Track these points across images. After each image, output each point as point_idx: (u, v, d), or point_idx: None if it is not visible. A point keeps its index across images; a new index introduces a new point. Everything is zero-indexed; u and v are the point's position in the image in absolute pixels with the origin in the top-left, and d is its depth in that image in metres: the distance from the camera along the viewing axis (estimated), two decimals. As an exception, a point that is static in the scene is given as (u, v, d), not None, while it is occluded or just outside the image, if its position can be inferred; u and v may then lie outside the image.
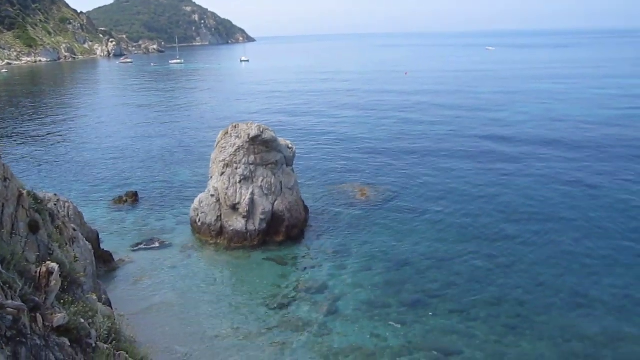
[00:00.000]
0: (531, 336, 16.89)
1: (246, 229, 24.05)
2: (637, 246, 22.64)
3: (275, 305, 19.00)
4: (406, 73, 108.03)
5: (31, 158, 41.60)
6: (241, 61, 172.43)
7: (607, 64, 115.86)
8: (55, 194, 21.55)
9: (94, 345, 7.93)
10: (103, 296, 15.38)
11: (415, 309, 18.50)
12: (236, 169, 24.63)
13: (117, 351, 9.03)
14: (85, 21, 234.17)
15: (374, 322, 17.83)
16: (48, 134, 51.80)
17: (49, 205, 16.14)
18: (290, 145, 26.74)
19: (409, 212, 27.49)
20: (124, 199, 30.28)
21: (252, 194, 24.30)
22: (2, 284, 6.48)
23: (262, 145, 24.85)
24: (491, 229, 24.92)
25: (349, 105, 64.54)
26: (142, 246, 24.04)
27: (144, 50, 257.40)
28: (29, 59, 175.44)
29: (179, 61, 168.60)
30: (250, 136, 24.60)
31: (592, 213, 26.33)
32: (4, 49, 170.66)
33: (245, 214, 24.04)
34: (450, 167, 35.23)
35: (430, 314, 18.20)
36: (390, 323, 17.73)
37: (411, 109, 60.41)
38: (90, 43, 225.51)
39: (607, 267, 21.01)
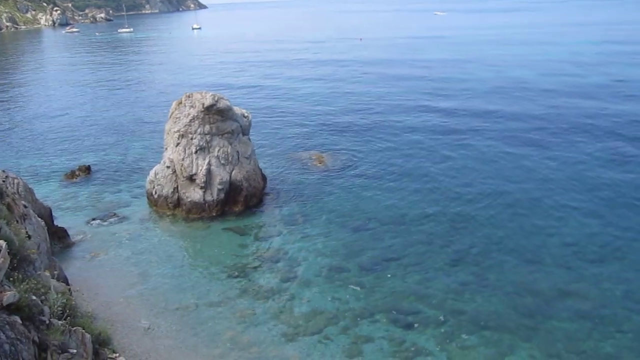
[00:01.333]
0: (486, 293, 17.44)
1: (204, 199, 23.82)
2: (585, 206, 23.45)
3: (237, 275, 19.02)
4: (360, 39, 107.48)
5: (-25, 134, 39.98)
6: (193, 29, 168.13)
7: (560, 28, 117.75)
8: (3, 171, 20.80)
9: (47, 322, 7.77)
10: (56, 272, 15.04)
11: (374, 272, 18.83)
12: (191, 139, 24.23)
13: (73, 327, 8.88)
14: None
15: (334, 287, 18.08)
16: (-8, 109, 49.78)
17: (-4, 182, 15.57)
18: (246, 114, 26.42)
19: (366, 178, 27.69)
20: (77, 173, 29.49)
21: (209, 164, 24.00)
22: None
23: (217, 115, 24.47)
24: (446, 193, 25.36)
25: (304, 75, 64.05)
26: (97, 221, 23.56)
27: (91, 19, 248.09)
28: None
29: (128, 30, 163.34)
30: (205, 105, 24.17)
31: (542, 176, 27.07)
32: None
33: (203, 185, 23.78)
34: (405, 135, 35.49)
35: (389, 276, 18.55)
36: (350, 286, 18.02)
37: (365, 77, 60.35)
38: (34, 12, 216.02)
39: (557, 226, 21.73)
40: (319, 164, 30.04)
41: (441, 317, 16.34)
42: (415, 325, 16.10)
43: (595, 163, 28.30)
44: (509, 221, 22.14)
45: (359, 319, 16.42)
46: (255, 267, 19.53)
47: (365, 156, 31.19)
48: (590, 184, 25.48)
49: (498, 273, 18.46)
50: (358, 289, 17.89)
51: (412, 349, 15.13)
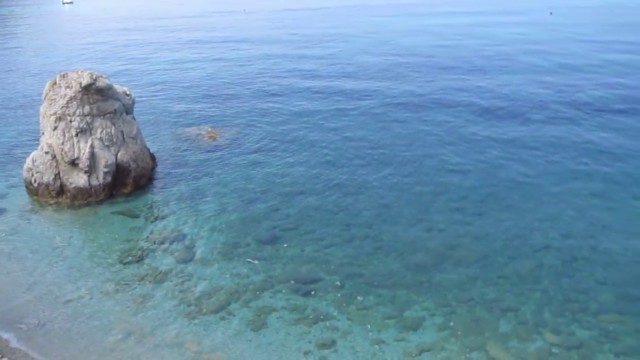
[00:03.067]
0: (381, 254, 18.24)
1: (89, 184, 22.67)
2: (465, 164, 24.94)
3: (131, 260, 18.43)
4: (244, 10, 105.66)
5: None
6: (64, 3, 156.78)
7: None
8: None
9: None
10: None
11: (272, 244, 19.02)
12: (70, 121, 22.83)
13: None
14: None
15: (233, 262, 18.07)
16: None
17: None
18: (128, 92, 25.25)
19: (258, 150, 27.63)
20: (-59, 166, 26.92)
21: (92, 146, 22.80)
22: None
23: (96, 94, 23.19)
24: (336, 161, 25.91)
25: (189, 51, 61.97)
26: (-30, 216, 21.75)
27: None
28: None
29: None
30: (83, 85, 22.80)
31: (424, 141, 28.34)
32: None
33: (87, 169, 22.59)
34: (293, 107, 35.61)
35: (287, 246, 18.83)
36: (249, 260, 18.09)
37: (251, 49, 59.60)
38: None
39: (442, 185, 22.97)
40: (209, 139, 29.50)
41: (339, 282, 16.90)
42: (316, 292, 16.55)
43: (470, 125, 30.04)
44: (398, 185, 23.08)
45: (259, 291, 16.59)
46: (150, 250, 19.02)
47: (255, 129, 31.04)
48: (468, 145, 27.03)
49: (390, 234, 19.32)
50: (257, 262, 18.01)
51: (314, 315, 15.57)
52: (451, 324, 15.22)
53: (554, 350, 14.29)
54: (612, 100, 33.98)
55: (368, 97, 36.20)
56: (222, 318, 15.55)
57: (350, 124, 30.78)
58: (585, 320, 15.24)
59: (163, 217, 21.24)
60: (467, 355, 14.21)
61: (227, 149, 27.96)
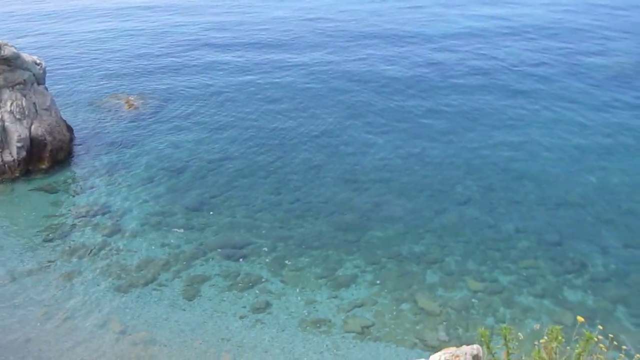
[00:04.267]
0: (311, 216, 18.48)
1: (2, 160, 21.44)
2: (390, 125, 25.38)
3: (54, 237, 17.75)
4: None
5: None
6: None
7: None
8: None
9: None
10: None
11: (201, 212, 18.83)
12: (-25, 94, 21.35)
13: None
14: None
15: (162, 232, 17.78)
16: None
17: None
18: (38, 61, 23.81)
19: (183, 119, 26.91)
20: None
21: (2, 120, 21.49)
22: None
23: (3, 64, 21.74)
24: (264, 126, 25.66)
25: (96, 15, 58.74)
26: None
27: None
28: None
29: None
30: (-14, 55, 21.29)
31: (349, 106, 28.40)
32: None
33: (-2, 145, 21.33)
34: (215, 73, 34.68)
35: (217, 213, 18.71)
36: (179, 230, 17.85)
37: (171, 18, 57.34)
38: None
39: (367, 146, 23.31)
40: (129, 108, 28.43)
41: (271, 246, 17.06)
42: (248, 257, 16.65)
43: (393, 89, 30.44)
44: (324, 147, 23.19)
45: (191, 260, 16.49)
46: (74, 226, 18.36)
47: (178, 96, 30.14)
48: (390, 107, 27.41)
49: (319, 196, 19.56)
50: (187, 231, 17.82)
51: (247, 279, 15.70)
52: (381, 279, 15.80)
53: (478, 296, 15.17)
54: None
55: (294, 67, 35.87)
56: (155, 289, 15.40)
57: (277, 92, 30.40)
58: (505, 267, 16.20)
59: (86, 191, 20.48)
60: (398, 307, 14.83)
61: (149, 118, 27.09)
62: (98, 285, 15.53)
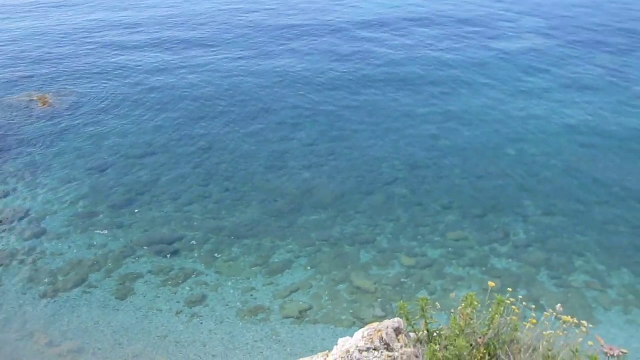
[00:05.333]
0: (242, 205, 18.37)
1: None
2: (317, 111, 25.47)
3: (-31, 245, 16.78)
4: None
5: None
6: None
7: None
8: None
9: None
10: None
11: (129, 208, 18.30)
12: None
13: None
14: None
15: (88, 233, 17.15)
16: None
17: None
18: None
19: (102, 114, 25.94)
20: None
21: None
22: None
23: None
24: (188, 116, 25.15)
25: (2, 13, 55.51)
26: None
27: None
28: None
29: None
30: None
31: (274, 93, 28.38)
32: None
33: None
34: (136, 62, 33.71)
35: (145, 209, 18.24)
36: (106, 229, 17.29)
37: (78, 14, 54.86)
38: None
39: (294, 130, 23.33)
40: (43, 105, 27.12)
41: (203, 238, 16.85)
42: (180, 251, 16.37)
43: (318, 71, 30.58)
44: (251, 136, 23.01)
45: (121, 259, 16.03)
46: (-8, 233, 17.42)
47: (95, 90, 29.00)
48: (316, 91, 27.56)
49: (249, 184, 19.44)
50: (115, 229, 17.28)
51: (181, 274, 15.45)
52: (316, 262, 15.97)
53: (411, 271, 15.63)
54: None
55: (216, 51, 35.29)
56: (85, 292, 14.89)
57: (199, 80, 29.86)
58: (435, 241, 16.75)
59: (3, 196, 19.42)
60: (334, 288, 15.05)
61: (65, 115, 25.93)
62: (22, 293, 14.84)
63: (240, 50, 34.19)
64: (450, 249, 16.42)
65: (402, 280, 15.28)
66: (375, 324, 4.90)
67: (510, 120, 23.59)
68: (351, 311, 14.32)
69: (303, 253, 16.32)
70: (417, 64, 30.25)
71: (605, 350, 4.20)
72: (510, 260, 16.05)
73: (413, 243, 16.69)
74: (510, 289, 5.13)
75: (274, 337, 13.65)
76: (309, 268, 15.79)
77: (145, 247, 16.49)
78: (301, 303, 14.61)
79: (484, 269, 15.72)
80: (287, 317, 14.19)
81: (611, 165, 20.40)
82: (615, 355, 4.08)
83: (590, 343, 4.31)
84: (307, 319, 14.18)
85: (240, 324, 14.01)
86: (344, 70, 29.52)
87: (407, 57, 31.29)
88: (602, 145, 21.75)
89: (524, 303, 4.68)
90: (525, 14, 39.04)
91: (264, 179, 19.73)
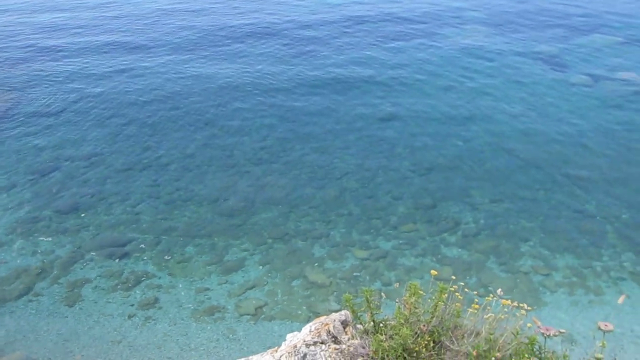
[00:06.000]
0: (194, 204, 18.15)
1: None
2: (265, 106, 25.37)
3: None
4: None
5: None
6: None
7: None
8: None
9: None
10: None
11: (75, 213, 17.82)
12: None
13: None
14: None
15: (33, 239, 16.61)
16: None
17: None
18: None
19: (42, 117, 24.99)
20: None
21: None
22: None
23: None
24: (133, 116, 24.56)
25: None
26: None
27: None
28: None
29: None
30: None
31: (216, 92, 28.06)
32: None
33: None
34: (76, 63, 32.67)
35: (92, 213, 17.80)
36: (51, 235, 16.79)
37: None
38: None
39: (243, 127, 23.14)
40: (-21, 109, 26.00)
41: (154, 239, 16.58)
42: (131, 253, 16.06)
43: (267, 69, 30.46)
44: (200, 134, 22.65)
45: (69, 265, 15.60)
46: None
47: (32, 95, 27.89)
48: (264, 88, 27.42)
49: (200, 184, 19.22)
50: (61, 235, 16.80)
51: (132, 277, 15.17)
52: (270, 259, 15.96)
53: (365, 263, 15.81)
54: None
55: (157, 54, 34.62)
56: (31, 300, 14.44)
57: (143, 82, 29.13)
58: (387, 233, 16.98)
59: (-62, 205, 18.60)
60: (289, 284, 15.09)
61: (5, 119, 24.96)
62: (-36, 304, 14.29)
63: (184, 53, 33.59)
64: (402, 240, 16.68)
65: (356, 273, 15.45)
66: (322, 318, 4.95)
67: (456, 113, 24.08)
68: (307, 305, 14.39)
69: (257, 250, 16.29)
70: (361, 62, 30.38)
71: (542, 331, 4.38)
72: (461, 248, 16.43)
73: (366, 236, 16.87)
74: (453, 277, 5.26)
75: (230, 335, 13.59)
76: (263, 265, 15.77)
77: (93, 252, 16.09)
78: (256, 300, 14.59)
79: (435, 258, 16.04)
80: (242, 315, 14.15)
81: (552, 153, 21.12)
82: (552, 334, 4.26)
83: (528, 325, 4.49)
84: (262, 316, 14.18)
85: (195, 324, 13.89)
86: (290, 71, 29.36)
87: (351, 56, 31.42)
88: (543, 133, 22.49)
89: (466, 290, 4.82)
90: (466, 10, 39.77)
91: (214, 178, 19.54)
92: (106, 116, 24.65)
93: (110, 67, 31.13)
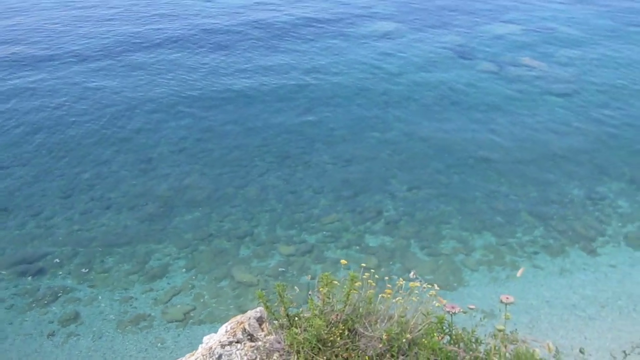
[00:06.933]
0: (111, 212, 17.53)
1: None
2: (178, 108, 24.85)
3: None
4: None
5: None
6: None
7: None
8: None
9: None
10: None
11: (-18, 231, 16.82)
12: None
13: None
14: None
15: (-64, 263, 15.54)
16: None
17: None
18: None
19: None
20: None
21: None
22: None
23: None
24: (39, 124, 23.38)
25: None
26: None
27: None
28: None
29: None
30: None
31: (124, 96, 27.29)
32: None
33: None
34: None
35: (2, 228, 16.85)
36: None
37: None
38: None
39: (160, 130, 22.59)
40: None
41: (71, 251, 15.90)
42: (46, 268, 15.33)
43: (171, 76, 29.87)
44: (112, 140, 21.75)
45: (-21, 286, 14.72)
46: None
47: None
48: (169, 93, 26.81)
49: (116, 191, 18.57)
50: (-33, 254, 15.82)
51: (50, 293, 14.48)
52: (195, 262, 15.71)
53: (291, 259, 15.86)
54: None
55: (63, 59, 33.11)
56: (-64, 328, 13.50)
57: (45, 89, 27.66)
58: (311, 227, 17.11)
59: None
60: (216, 285, 14.94)
61: None
62: None
63: (91, 62, 32.34)
64: (326, 232, 16.85)
65: (283, 269, 15.48)
66: (238, 317, 4.96)
67: (372, 105, 24.53)
68: (235, 306, 14.27)
69: (181, 254, 15.98)
70: (275, 63, 30.30)
71: (447, 309, 4.60)
72: (384, 236, 16.81)
73: (290, 231, 16.92)
74: (364, 264, 5.41)
75: (159, 344, 13.28)
76: (188, 269, 15.49)
77: (4, 270, 15.23)
78: (184, 305, 14.32)
79: (360, 247, 16.33)
80: (170, 322, 13.86)
81: (465, 138, 22.00)
82: (456, 312, 4.48)
83: (436, 304, 4.69)
84: (191, 321, 13.95)
85: (122, 336, 13.46)
86: (202, 75, 28.77)
87: (264, 58, 31.40)
88: (455, 120, 23.38)
89: (376, 275, 4.97)
90: (375, 7, 40.40)
91: (131, 184, 18.94)
92: (10, 127, 23.33)
93: (14, 79, 29.50)
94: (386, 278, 4.89)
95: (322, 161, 20.31)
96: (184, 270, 15.45)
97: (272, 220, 17.29)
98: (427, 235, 16.91)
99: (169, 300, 14.49)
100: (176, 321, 13.87)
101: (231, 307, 14.26)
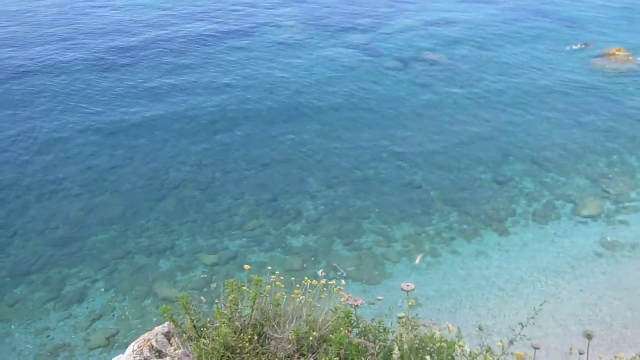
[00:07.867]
0: (19, 240, 16.59)
1: None
2: (92, 119, 23.84)
3: None
4: None
5: None
6: None
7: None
8: None
9: None
10: None
11: None
12: None
13: None
14: None
15: None
16: None
17: None
18: None
19: None
20: None
21: None
22: None
23: None
24: None
25: None
26: None
27: None
28: None
29: None
30: None
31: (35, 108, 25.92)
32: None
33: None
34: None
35: None
36: None
37: None
38: None
39: (68, 151, 21.54)
40: None
41: (-19, 285, 14.94)
42: (-46, 306, 14.34)
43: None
44: (10, 164, 20.36)
45: None
46: None
47: None
48: (70, 109, 25.73)
49: (23, 216, 17.55)
50: None
51: (-43, 333, 13.56)
52: (115, 282, 15.20)
53: (215, 268, 15.70)
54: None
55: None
56: None
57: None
58: (233, 234, 16.99)
59: None
60: (140, 305, 14.54)
61: None
62: None
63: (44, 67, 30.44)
64: (248, 238, 16.78)
65: (208, 279, 15.26)
66: (146, 334, 4.87)
67: (283, 109, 24.42)
68: (162, 324, 13.91)
69: (99, 276, 15.39)
70: (183, 68, 29.72)
71: (351, 302, 4.73)
72: (306, 236, 16.94)
73: (212, 240, 16.71)
74: (270, 267, 5.46)
75: (82, 373, 12.75)
76: (107, 290, 14.93)
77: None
78: (106, 330, 13.79)
79: (284, 250, 16.37)
80: (93, 349, 13.31)
81: (377, 135, 22.51)
82: (359, 305, 4.62)
83: (343, 299, 4.80)
84: (116, 345, 13.41)
85: (40, 370, 12.80)
86: (108, 86, 27.68)
87: (169, 63, 30.69)
88: (365, 118, 23.85)
89: (282, 277, 5.03)
90: (281, 11, 40.41)
91: (39, 208, 17.97)
92: None
93: None
94: (293, 278, 4.94)
95: (238, 168, 20.13)
96: (103, 291, 14.89)
97: (192, 231, 16.98)
98: (348, 231, 17.18)
99: (90, 326, 13.90)
100: (100, 347, 13.34)
101: (157, 326, 13.86)
